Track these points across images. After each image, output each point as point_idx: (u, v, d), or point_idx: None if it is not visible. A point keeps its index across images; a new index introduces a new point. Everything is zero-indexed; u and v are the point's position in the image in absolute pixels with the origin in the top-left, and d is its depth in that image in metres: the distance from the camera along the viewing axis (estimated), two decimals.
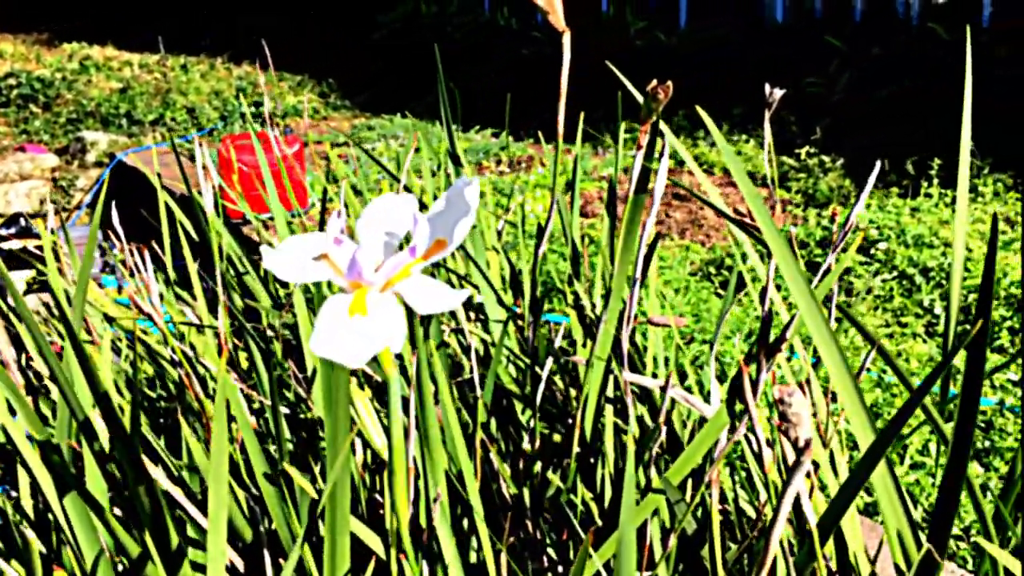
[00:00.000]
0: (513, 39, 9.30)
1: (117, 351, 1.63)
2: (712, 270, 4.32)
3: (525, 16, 9.57)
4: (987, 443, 2.59)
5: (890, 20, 7.67)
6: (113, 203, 1.54)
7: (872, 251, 4.11)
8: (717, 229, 5.20)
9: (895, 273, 3.94)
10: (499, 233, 1.65)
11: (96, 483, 0.82)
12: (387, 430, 0.58)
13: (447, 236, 0.47)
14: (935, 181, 5.05)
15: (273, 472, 0.90)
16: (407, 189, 1.32)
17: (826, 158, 5.99)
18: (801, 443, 0.50)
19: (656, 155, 1.00)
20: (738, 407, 0.87)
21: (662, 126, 1.01)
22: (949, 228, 4.35)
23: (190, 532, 1.08)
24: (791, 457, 0.54)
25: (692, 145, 6.84)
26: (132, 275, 1.40)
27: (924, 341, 3.50)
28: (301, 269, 0.48)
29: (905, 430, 2.40)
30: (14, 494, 1.14)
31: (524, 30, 9.27)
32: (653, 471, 1.03)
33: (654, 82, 0.96)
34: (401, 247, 0.48)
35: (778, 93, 1.32)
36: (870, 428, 0.82)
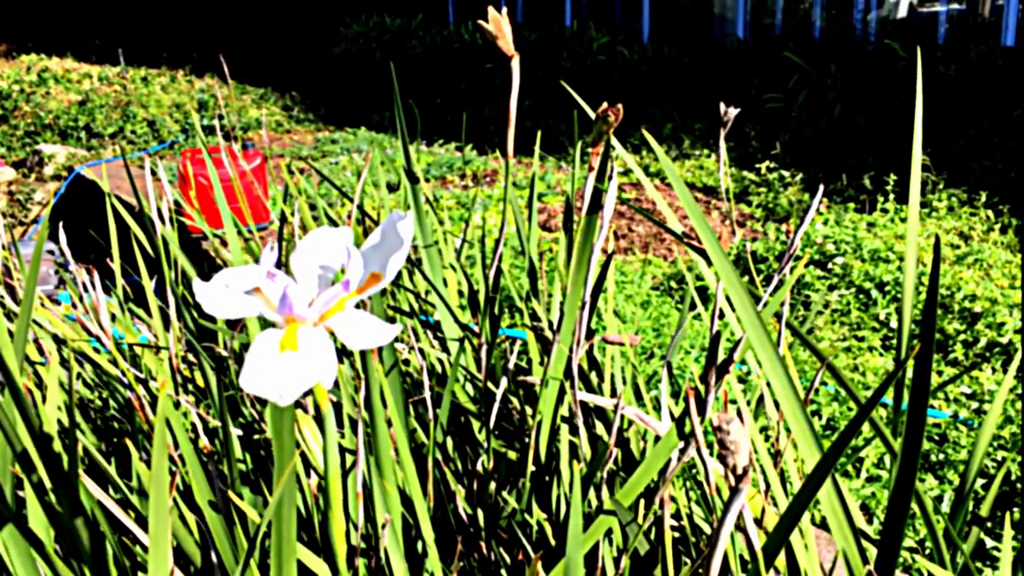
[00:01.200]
0: (478, 53, 9.33)
1: (69, 368, 1.60)
2: (673, 284, 4.35)
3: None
4: (941, 456, 2.63)
5: (848, 37, 7.81)
6: (72, 217, 1.52)
7: (829, 265, 4.16)
8: (679, 243, 5.24)
9: (852, 287, 4.00)
10: (458, 251, 1.65)
11: (37, 516, 0.80)
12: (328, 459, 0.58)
13: (382, 270, 0.47)
14: (891, 196, 5.13)
15: (219, 497, 0.89)
16: (360, 208, 1.32)
17: (786, 173, 6.07)
18: (739, 470, 0.50)
19: (607, 175, 1.00)
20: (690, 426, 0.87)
21: (618, 147, 1.02)
22: (905, 243, 4.42)
23: (142, 558, 1.06)
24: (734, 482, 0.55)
25: (654, 160, 6.88)
26: (81, 298, 1.38)
27: (880, 354, 3.54)
28: (233, 304, 0.47)
29: (860, 442, 2.42)
30: None
31: (488, 44, 9.30)
32: (605, 491, 1.03)
33: (604, 104, 0.97)
34: (335, 281, 0.48)
35: (733, 112, 1.33)
36: (816, 448, 0.83)
